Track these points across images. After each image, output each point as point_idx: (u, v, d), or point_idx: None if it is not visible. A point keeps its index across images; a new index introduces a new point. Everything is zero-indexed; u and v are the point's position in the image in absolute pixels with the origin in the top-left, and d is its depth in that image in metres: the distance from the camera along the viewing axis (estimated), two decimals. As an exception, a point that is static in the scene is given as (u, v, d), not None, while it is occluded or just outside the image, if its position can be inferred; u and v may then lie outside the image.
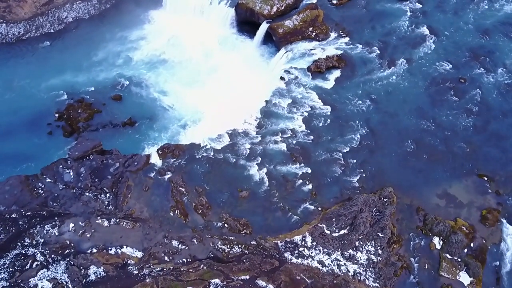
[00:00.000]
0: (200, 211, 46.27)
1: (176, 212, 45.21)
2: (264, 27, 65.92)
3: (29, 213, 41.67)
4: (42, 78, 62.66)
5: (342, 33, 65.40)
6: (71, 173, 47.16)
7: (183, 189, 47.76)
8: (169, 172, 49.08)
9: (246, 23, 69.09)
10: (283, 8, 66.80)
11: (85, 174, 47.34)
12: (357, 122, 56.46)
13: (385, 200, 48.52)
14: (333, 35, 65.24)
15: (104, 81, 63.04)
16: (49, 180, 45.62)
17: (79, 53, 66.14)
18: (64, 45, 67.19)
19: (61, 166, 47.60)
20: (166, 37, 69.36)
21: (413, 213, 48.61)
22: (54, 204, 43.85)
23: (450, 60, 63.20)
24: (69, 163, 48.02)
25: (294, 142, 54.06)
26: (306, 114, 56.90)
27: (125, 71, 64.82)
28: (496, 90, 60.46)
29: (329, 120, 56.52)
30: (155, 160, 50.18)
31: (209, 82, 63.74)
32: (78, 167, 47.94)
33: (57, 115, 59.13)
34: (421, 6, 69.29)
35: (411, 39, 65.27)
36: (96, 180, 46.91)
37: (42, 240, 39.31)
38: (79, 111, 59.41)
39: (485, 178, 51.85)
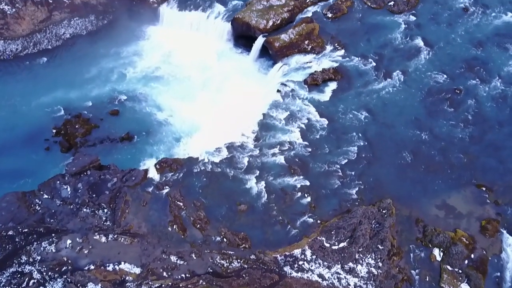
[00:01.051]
0: (198, 225, 46.00)
1: (174, 227, 44.93)
2: (260, 41, 66.48)
3: (25, 230, 41.31)
4: (40, 94, 62.68)
5: (337, 46, 65.98)
6: (69, 189, 46.94)
7: (181, 204, 47.56)
8: (167, 187, 48.93)
9: (243, 37, 69.69)
10: (279, 22, 67.49)
11: (82, 190, 47.13)
12: (354, 134, 56.62)
13: (384, 211, 48.40)
14: (328, 48, 65.81)
15: (102, 96, 63.13)
16: (46, 196, 45.37)
17: (77, 69, 66.33)
18: (61, 61, 67.40)
19: (58, 182, 47.39)
20: (163, 52, 69.73)
21: (412, 225, 48.45)
22: (51, 220, 43.52)
23: (445, 71, 63.73)
24: (66, 178, 47.83)
25: (292, 154, 54.10)
26: (303, 126, 57.06)
27: (122, 86, 65.00)
28: (491, 100, 60.89)
29: (326, 132, 56.68)
30: (153, 174, 50.07)
31: (206, 96, 63.95)
32: (76, 183, 47.73)
33: (54, 130, 59.02)
34: (415, 18, 70.09)
35: (406, 51, 65.88)
36: (94, 195, 46.68)
37: (39, 257, 38.93)
38: (77, 126, 59.37)
39: (484, 188, 51.86)
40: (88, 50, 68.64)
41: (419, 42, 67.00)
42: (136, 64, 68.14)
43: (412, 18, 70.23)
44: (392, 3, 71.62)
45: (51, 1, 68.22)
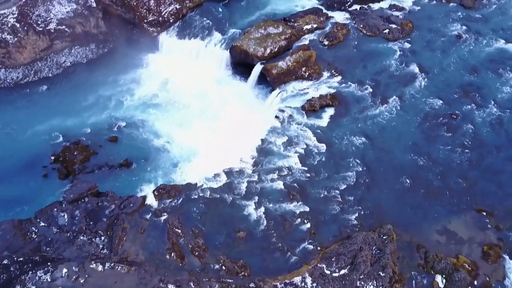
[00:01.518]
0: (196, 253, 45.34)
1: (172, 254, 44.28)
2: (258, 68, 67.48)
3: (21, 259, 40.62)
4: (39, 122, 63.01)
5: (334, 73, 66.94)
6: (66, 216, 46.50)
7: (179, 231, 47.03)
8: (165, 213, 48.54)
9: (241, 65, 70.73)
10: (276, 49, 68.69)
11: (80, 217, 46.69)
12: (353, 159, 56.70)
13: (384, 237, 47.91)
14: (325, 74, 66.73)
15: (101, 123, 63.44)
16: (43, 224, 44.88)
17: (76, 96, 66.94)
18: (61, 88, 68.13)
19: (55, 209, 47.02)
20: (162, 79, 70.55)
21: (413, 251, 47.87)
22: (47, 248, 42.87)
23: (441, 97, 64.51)
24: (64, 206, 47.48)
25: (291, 180, 53.98)
26: (302, 151, 57.18)
27: (121, 113, 65.43)
28: (488, 125, 61.39)
29: (325, 157, 56.76)
30: (151, 201, 49.77)
31: (204, 122, 64.30)
32: (73, 210, 47.34)
33: (53, 157, 58.97)
34: (410, 46, 71.48)
35: (402, 77, 66.85)
36: (91, 223, 46.21)
37: (33, 287, 38.08)
38: (75, 153, 59.34)
39: (484, 213, 51.61)
40: (88, 78, 69.50)
41: (414, 68, 68.10)
42: (135, 91, 68.84)
43: (407, 45, 71.63)
44: (387, 31, 73.21)
45: (52, 30, 69.49)
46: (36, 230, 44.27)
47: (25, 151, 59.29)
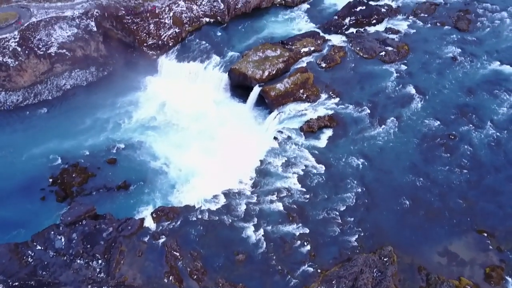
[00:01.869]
0: (195, 276, 44.62)
1: (171, 278, 43.55)
2: (256, 90, 68.12)
3: (16, 283, 39.85)
4: (38, 144, 63.09)
5: (332, 94, 67.56)
6: (63, 240, 45.93)
7: (178, 254, 46.41)
8: (163, 236, 48.00)
9: (239, 87, 71.43)
10: (274, 72, 69.52)
11: (77, 240, 46.12)
12: (352, 180, 56.58)
13: (385, 259, 47.30)
14: (323, 96, 67.33)
15: (100, 145, 63.51)
16: (40, 248, 44.25)
17: (76, 118, 67.27)
18: (61, 111, 68.53)
19: (52, 232, 46.48)
20: (161, 101, 71.05)
21: (415, 273, 47.18)
22: (44, 273, 42.15)
23: (438, 118, 64.93)
24: (61, 229, 46.95)
25: (290, 201, 53.68)
26: (301, 172, 57.09)
27: (120, 135, 65.62)
28: (486, 145, 61.58)
29: (324, 178, 56.63)
30: (149, 223, 49.31)
31: (203, 143, 64.41)
32: (70, 233, 46.79)
33: (51, 180, 58.76)
34: (406, 68, 72.44)
35: (399, 98, 67.45)
36: (88, 246, 45.62)
37: (28, 313, 37.31)
38: (74, 175, 59.14)
39: (485, 234, 51.17)
40: (88, 101, 70.01)
41: (411, 89, 68.80)
42: (134, 113, 69.24)
43: (403, 67, 72.58)
44: (383, 53, 74.34)
45: (53, 54, 70.37)
46: (32, 254, 43.62)
47: (23, 174, 59.11)
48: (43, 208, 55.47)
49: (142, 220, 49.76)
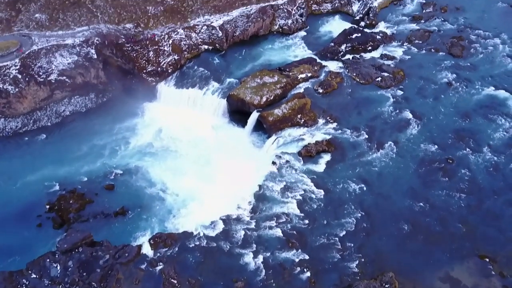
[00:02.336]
0: (193, 304, 43.73)
1: (168, 306, 42.67)
2: (255, 115, 68.65)
3: (10, 313, 38.99)
4: (36, 170, 62.85)
5: (329, 119, 68.09)
6: (59, 267, 45.32)
7: (176, 281, 45.69)
8: (161, 263, 47.39)
9: (238, 113, 71.95)
10: (272, 98, 70.24)
11: (73, 268, 45.51)
12: (351, 204, 56.40)
13: (386, 286, 46.71)
14: (321, 121, 67.84)
15: (97, 171, 63.28)
16: (34, 276, 43.58)
17: (74, 145, 67.23)
18: (59, 137, 68.58)
19: (48, 260, 45.91)
20: (160, 127, 71.29)
21: (417, 300, 46.47)
22: (38, 302, 41.29)
23: (435, 142, 65.33)
24: (57, 256, 46.40)
25: (289, 227, 53.27)
26: (299, 197, 56.90)
27: (118, 161, 65.48)
28: (484, 169, 61.76)
29: (323, 203, 56.42)
30: (147, 250, 48.74)
31: (201, 169, 64.29)
32: (66, 261, 46.20)
33: (48, 206, 58.22)
34: (402, 93, 73.36)
35: (396, 123, 68.02)
36: (85, 274, 44.97)
37: None
38: (71, 201, 58.65)
39: (487, 259, 50.73)
40: (87, 127, 70.12)
41: (408, 114, 69.46)
42: (133, 140, 69.27)
43: (400, 92, 73.50)
44: (379, 78, 75.42)
45: (53, 81, 71.03)
46: (27, 283, 42.90)
47: (20, 200, 58.60)
48: (40, 235, 54.69)
49: (140, 246, 49.25)
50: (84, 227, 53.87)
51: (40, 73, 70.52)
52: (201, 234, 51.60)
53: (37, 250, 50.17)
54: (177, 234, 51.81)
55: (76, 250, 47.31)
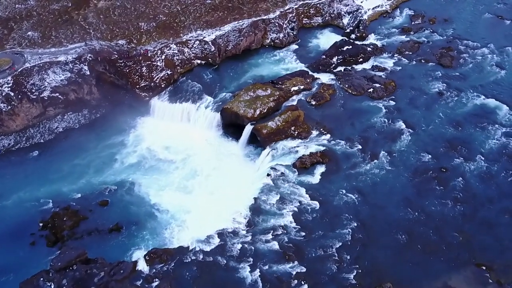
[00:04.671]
0: (190, 321, 43.08)
1: (165, 323, 42.00)
2: (248, 128, 68.81)
3: (2, 335, 38.12)
4: (29, 188, 62.26)
5: (323, 131, 68.40)
6: (53, 286, 44.76)
7: (172, 297, 45.02)
8: (156, 279, 46.85)
9: (231, 126, 72.10)
10: (265, 110, 70.54)
11: (67, 287, 44.92)
12: (347, 215, 56.34)
13: (385, 297, 46.31)
14: (314, 133, 68.11)
15: (92, 187, 62.79)
16: (28, 296, 42.70)
17: (67, 161, 66.81)
18: (53, 154, 68.13)
19: (42, 278, 45.25)
20: (154, 142, 71.11)
21: (416, 310, 46.20)
22: (31, 322, 40.46)
23: (429, 151, 65.75)
24: (51, 275, 45.74)
25: (286, 239, 53.02)
26: (295, 209, 56.76)
27: (113, 176, 65.06)
28: (478, 177, 62.13)
29: (318, 215, 56.31)
30: (142, 266, 48.19)
31: (196, 183, 64.12)
32: (60, 279, 45.53)
33: (41, 224, 57.54)
34: (394, 103, 74.02)
35: (389, 133, 68.43)
36: (79, 292, 44.17)
37: None
38: (65, 219, 57.99)
39: (484, 268, 50.74)
40: (80, 143, 69.78)
41: (400, 124, 69.97)
42: (126, 155, 68.98)
43: (392, 103, 74.18)
44: (371, 90, 76.14)
45: (46, 98, 70.91)
46: (20, 302, 42.02)
47: (13, 219, 57.92)
48: (33, 254, 53.89)
49: (135, 263, 48.69)
50: (78, 244, 53.15)
51: (33, 90, 70.40)
52: (197, 249, 51.14)
53: (30, 269, 49.25)
54: (172, 249, 51.32)
55: (71, 268, 46.66)
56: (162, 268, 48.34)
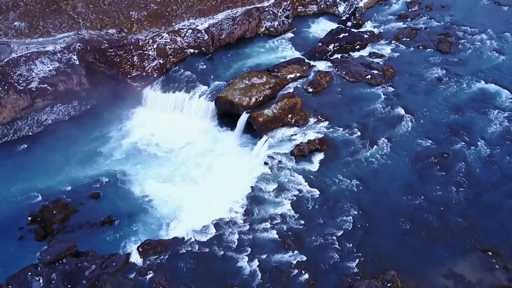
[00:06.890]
0: (186, 313, 41.20)
1: (159, 316, 40.08)
2: (244, 117, 66.83)
3: (-13, 332, 36.03)
4: (17, 181, 60.09)
5: (321, 118, 66.51)
6: (41, 281, 42.63)
7: (167, 290, 43.09)
8: (151, 272, 44.91)
9: (226, 115, 70.05)
10: (261, 98, 68.57)
11: (56, 281, 42.85)
12: (347, 203, 54.62)
13: (389, 285, 44.86)
14: (312, 120, 66.22)
15: (82, 180, 60.65)
16: (15, 290, 40.61)
17: (57, 154, 64.58)
18: (42, 147, 65.80)
19: (29, 273, 43.16)
20: (147, 133, 69.18)
21: (421, 298, 44.56)
22: (18, 318, 38.40)
23: (430, 137, 64.12)
24: (39, 269, 43.65)
25: (285, 228, 51.19)
26: (294, 198, 54.92)
27: (104, 168, 62.94)
28: (480, 162, 60.67)
29: (318, 202, 54.51)
30: (136, 258, 46.20)
31: (191, 173, 62.23)
32: (49, 273, 43.46)
33: (30, 218, 55.40)
34: (393, 89, 72.28)
35: (389, 120, 66.71)
36: (69, 286, 42.48)
37: None
38: (54, 212, 55.80)
39: (490, 253, 49.33)
40: (70, 135, 67.48)
41: (400, 110, 68.27)
42: (119, 146, 66.87)
43: (390, 89, 72.41)
44: (369, 76, 74.33)
45: (34, 89, 68.37)
46: (6, 298, 39.93)
47: (0, 213, 55.59)
48: (21, 248, 51.77)
49: (128, 255, 46.76)
50: (68, 238, 51.02)
51: (20, 81, 67.86)
52: (193, 240, 49.19)
53: (18, 263, 46.88)
54: (167, 240, 49.37)
55: (60, 262, 44.58)
56: (156, 260, 46.39)
